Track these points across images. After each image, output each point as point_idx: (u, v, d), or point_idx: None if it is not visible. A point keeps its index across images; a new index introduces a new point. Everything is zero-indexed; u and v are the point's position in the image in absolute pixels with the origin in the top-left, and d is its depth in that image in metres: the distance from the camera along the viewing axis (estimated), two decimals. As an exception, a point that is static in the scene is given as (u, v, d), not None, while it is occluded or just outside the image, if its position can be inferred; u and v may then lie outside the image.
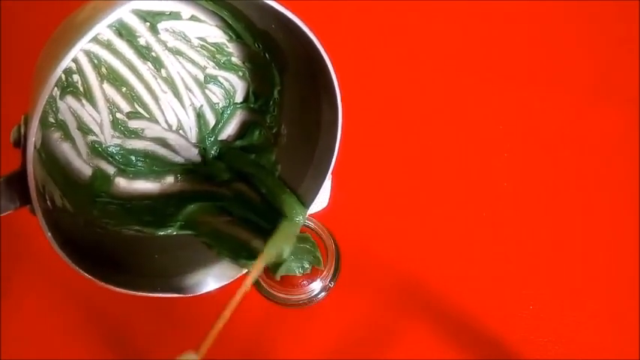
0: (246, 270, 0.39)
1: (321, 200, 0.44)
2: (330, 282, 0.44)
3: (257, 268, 0.37)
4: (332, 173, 0.39)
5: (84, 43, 0.29)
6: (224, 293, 0.43)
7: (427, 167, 0.50)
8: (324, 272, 0.44)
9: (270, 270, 0.42)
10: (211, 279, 0.39)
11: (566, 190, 0.50)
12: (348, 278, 0.44)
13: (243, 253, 0.40)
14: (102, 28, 0.30)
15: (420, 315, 0.45)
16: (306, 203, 0.40)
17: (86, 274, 0.34)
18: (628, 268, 0.47)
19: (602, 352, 0.45)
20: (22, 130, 0.31)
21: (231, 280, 0.39)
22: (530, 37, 0.54)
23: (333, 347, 0.45)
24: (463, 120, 0.52)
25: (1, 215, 0.32)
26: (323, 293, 0.44)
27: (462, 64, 0.53)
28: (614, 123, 0.51)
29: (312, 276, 0.44)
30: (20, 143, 0.31)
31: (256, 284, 0.43)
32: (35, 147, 0.33)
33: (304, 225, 0.43)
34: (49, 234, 0.32)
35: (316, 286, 0.43)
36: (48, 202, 0.35)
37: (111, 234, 0.40)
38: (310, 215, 0.40)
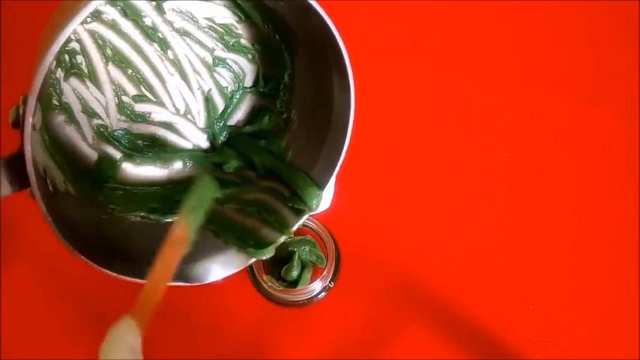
0: (254, 260, 0.38)
1: (325, 201, 0.44)
2: (330, 282, 0.44)
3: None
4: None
5: (80, 20, 0.28)
6: (226, 290, 0.43)
7: (427, 167, 0.50)
8: (324, 272, 0.43)
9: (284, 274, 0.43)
10: (217, 268, 0.38)
11: (566, 190, 0.49)
12: (348, 278, 0.44)
13: (250, 242, 0.39)
14: (100, 5, 0.29)
15: (420, 315, 0.45)
16: (320, 187, 0.39)
17: (88, 260, 0.33)
18: (628, 268, 0.46)
19: (602, 352, 0.45)
20: (21, 110, 0.30)
21: (238, 269, 0.38)
22: (531, 37, 0.53)
23: (333, 347, 0.45)
24: (463, 120, 0.51)
25: (1, 198, 0.31)
26: (323, 293, 0.44)
27: (462, 65, 0.52)
28: (613, 123, 0.50)
29: (312, 276, 0.44)
30: (19, 123, 0.30)
31: (256, 284, 0.43)
32: (35, 128, 0.32)
33: (305, 226, 0.42)
34: (50, 218, 0.31)
35: (316, 286, 0.43)
36: (49, 187, 0.34)
37: (115, 220, 0.39)
38: (311, 216, 0.40)
